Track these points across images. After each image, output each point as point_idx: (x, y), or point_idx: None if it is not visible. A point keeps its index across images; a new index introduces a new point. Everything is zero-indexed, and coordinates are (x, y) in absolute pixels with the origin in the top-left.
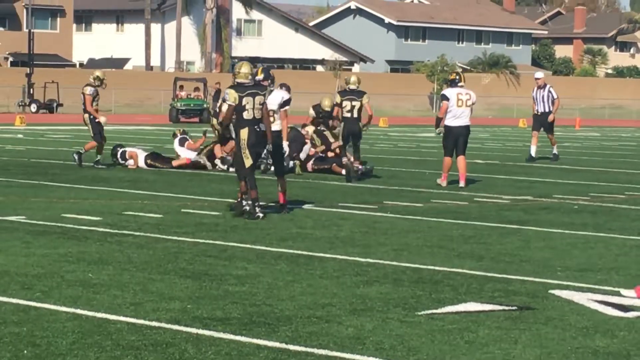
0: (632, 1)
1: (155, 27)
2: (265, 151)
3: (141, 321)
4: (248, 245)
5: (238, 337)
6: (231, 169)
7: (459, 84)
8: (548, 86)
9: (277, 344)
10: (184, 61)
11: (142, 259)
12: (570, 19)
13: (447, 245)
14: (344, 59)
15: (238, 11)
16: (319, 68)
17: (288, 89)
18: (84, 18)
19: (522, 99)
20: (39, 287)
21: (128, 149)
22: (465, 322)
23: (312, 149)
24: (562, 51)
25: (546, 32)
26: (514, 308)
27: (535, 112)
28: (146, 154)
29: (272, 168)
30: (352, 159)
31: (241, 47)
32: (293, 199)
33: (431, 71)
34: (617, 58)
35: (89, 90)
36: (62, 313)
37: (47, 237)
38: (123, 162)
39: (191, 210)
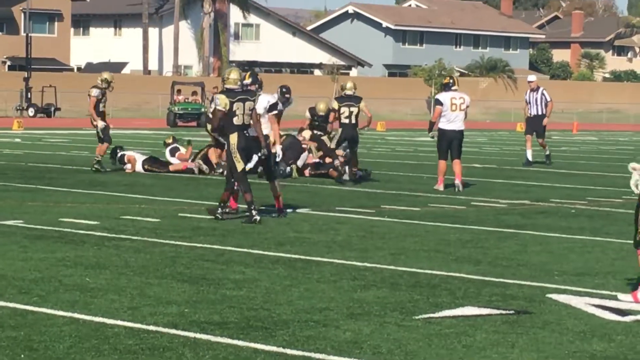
0: (630, 5)
1: (153, 32)
2: (260, 154)
3: (138, 325)
4: (245, 250)
5: (235, 342)
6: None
7: (453, 88)
8: (541, 89)
9: (274, 348)
10: (182, 65)
11: (139, 263)
12: (568, 23)
13: (444, 250)
14: (342, 63)
15: (236, 15)
16: (317, 72)
17: (288, 90)
18: (82, 22)
19: (520, 103)
20: (36, 291)
21: (127, 153)
22: (463, 326)
23: (310, 157)
24: (559, 55)
25: (544, 36)
26: (511, 312)
27: (529, 115)
28: (144, 158)
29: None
30: (344, 162)
31: (239, 51)
32: (290, 202)
33: (429, 75)
34: (614, 62)
35: (94, 92)
36: (59, 317)
37: (45, 241)
38: (121, 165)
39: (188, 215)
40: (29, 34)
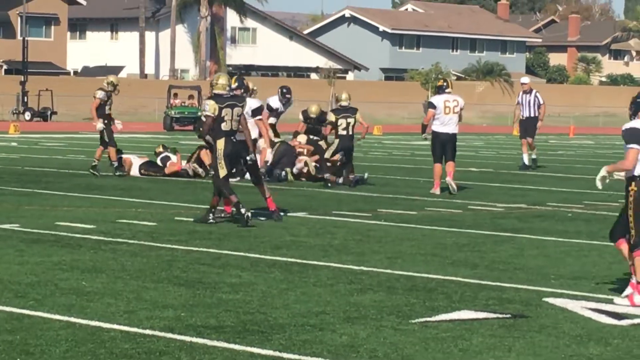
0: (626, 9)
1: (150, 35)
2: (248, 160)
3: (135, 329)
4: (242, 253)
5: (232, 345)
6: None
7: (447, 91)
8: (534, 91)
9: (270, 352)
10: (179, 69)
11: (135, 267)
12: (565, 27)
13: (441, 253)
14: (338, 66)
15: (232, 19)
16: (313, 76)
17: (289, 91)
18: (79, 26)
19: None
20: (32, 295)
21: (124, 156)
22: (459, 330)
23: (305, 168)
24: (556, 59)
25: (540, 40)
26: (507, 316)
27: (521, 118)
28: (141, 162)
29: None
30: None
31: (235, 55)
32: (287, 206)
33: (425, 79)
34: (611, 66)
35: (99, 94)
36: (55, 321)
37: (41, 245)
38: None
39: (185, 218)
40: (26, 38)
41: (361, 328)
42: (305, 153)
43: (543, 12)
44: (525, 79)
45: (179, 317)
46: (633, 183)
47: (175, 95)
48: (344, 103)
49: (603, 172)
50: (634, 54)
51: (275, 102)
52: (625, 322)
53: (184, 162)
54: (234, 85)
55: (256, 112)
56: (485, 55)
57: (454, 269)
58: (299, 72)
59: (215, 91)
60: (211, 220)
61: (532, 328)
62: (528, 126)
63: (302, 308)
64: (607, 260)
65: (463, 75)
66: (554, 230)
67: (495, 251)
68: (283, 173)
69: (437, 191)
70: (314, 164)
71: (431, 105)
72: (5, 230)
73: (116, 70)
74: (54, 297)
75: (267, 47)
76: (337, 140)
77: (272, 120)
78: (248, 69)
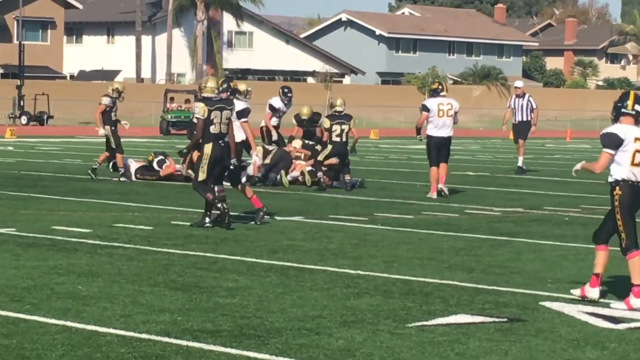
0: (623, 13)
1: (146, 39)
2: (231, 164)
3: (131, 333)
4: (238, 258)
5: (228, 350)
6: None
7: (442, 94)
8: (527, 95)
9: (267, 356)
10: (175, 73)
11: (132, 271)
12: (561, 30)
13: (437, 257)
14: (335, 70)
15: (229, 23)
16: (310, 80)
17: (290, 90)
18: (75, 30)
19: None
20: (28, 300)
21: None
22: (456, 334)
23: (301, 177)
24: (552, 63)
25: (537, 44)
26: (504, 320)
27: (514, 122)
28: (137, 167)
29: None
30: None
31: (232, 59)
32: (283, 210)
33: (422, 83)
34: (607, 70)
35: (105, 100)
36: (51, 325)
37: (37, 249)
38: (115, 170)
39: (181, 222)
40: (22, 42)
41: (358, 332)
42: (302, 158)
43: (540, 16)
44: (519, 83)
45: (176, 321)
46: (617, 187)
47: (172, 99)
48: (338, 109)
49: (578, 166)
50: (630, 57)
51: (277, 102)
52: (622, 326)
53: (177, 166)
54: (221, 88)
55: (241, 114)
56: (482, 59)
57: (451, 273)
58: (296, 76)
59: (204, 94)
60: (208, 224)
61: (528, 332)
62: (521, 130)
63: (298, 312)
64: None
65: (460, 79)
66: (551, 234)
67: (491, 255)
68: (278, 177)
69: (434, 195)
70: (309, 168)
71: (424, 108)
72: (1, 234)
73: (112, 74)
74: (50, 301)
75: (264, 51)
76: (330, 146)
77: (274, 121)
78: (245, 73)
